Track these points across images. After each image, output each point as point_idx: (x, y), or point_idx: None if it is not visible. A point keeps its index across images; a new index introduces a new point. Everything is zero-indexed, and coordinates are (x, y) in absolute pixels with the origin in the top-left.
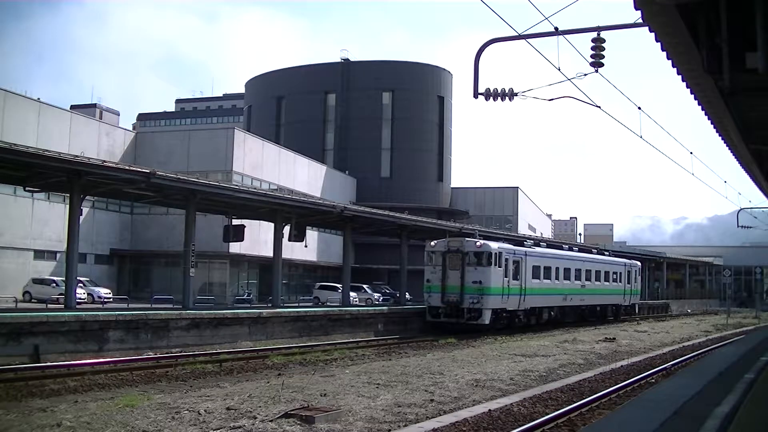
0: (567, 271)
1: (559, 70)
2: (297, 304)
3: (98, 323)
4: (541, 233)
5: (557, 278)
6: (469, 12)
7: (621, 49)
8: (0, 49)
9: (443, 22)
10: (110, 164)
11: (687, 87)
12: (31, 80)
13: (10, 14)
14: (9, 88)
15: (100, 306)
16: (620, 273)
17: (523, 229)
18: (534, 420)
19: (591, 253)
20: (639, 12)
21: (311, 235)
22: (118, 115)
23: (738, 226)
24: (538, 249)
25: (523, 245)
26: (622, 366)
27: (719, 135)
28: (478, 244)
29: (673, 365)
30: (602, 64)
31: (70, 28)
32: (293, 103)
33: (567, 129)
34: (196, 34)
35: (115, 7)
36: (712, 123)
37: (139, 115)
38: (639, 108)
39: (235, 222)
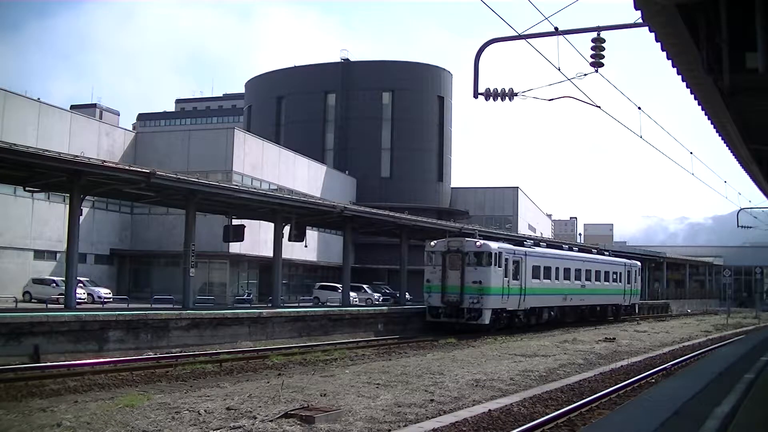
0: (567, 271)
1: (559, 70)
2: (297, 304)
3: (98, 323)
4: (541, 233)
5: (557, 278)
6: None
7: (621, 49)
8: (21, 47)
9: (477, 22)
10: (110, 164)
11: (687, 87)
12: (47, 78)
13: (33, 12)
14: (26, 86)
15: (100, 306)
16: (620, 273)
17: (523, 229)
18: (534, 420)
19: (591, 253)
20: (639, 12)
21: (311, 235)
22: (118, 115)
23: (738, 226)
24: (538, 249)
25: (523, 245)
26: (622, 366)
27: (719, 135)
28: (478, 244)
29: (673, 365)
30: (602, 64)
31: (91, 26)
32: (293, 103)
33: (567, 129)
34: (226, 32)
35: (138, 5)
36: (712, 123)
37: (139, 115)
38: (639, 108)
39: (235, 222)
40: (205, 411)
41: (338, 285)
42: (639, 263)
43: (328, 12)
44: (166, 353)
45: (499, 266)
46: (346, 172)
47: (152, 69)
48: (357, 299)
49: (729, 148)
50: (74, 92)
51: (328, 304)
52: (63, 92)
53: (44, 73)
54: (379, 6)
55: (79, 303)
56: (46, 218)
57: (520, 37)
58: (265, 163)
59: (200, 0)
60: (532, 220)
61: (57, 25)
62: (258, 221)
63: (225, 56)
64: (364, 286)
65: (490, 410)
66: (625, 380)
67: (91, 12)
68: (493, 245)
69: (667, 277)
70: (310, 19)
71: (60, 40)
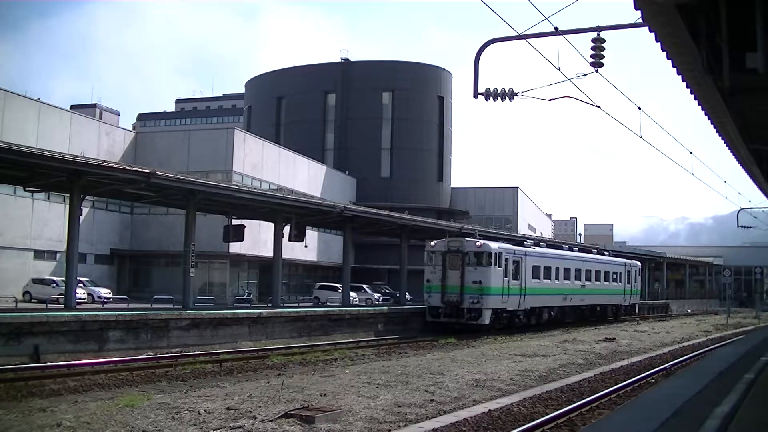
0: (567, 271)
1: (559, 70)
2: (297, 304)
3: (98, 323)
4: (541, 233)
5: (557, 278)
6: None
7: (621, 49)
8: (23, 46)
9: (478, 22)
10: (110, 164)
11: (687, 87)
12: (49, 78)
13: (35, 11)
14: (28, 85)
15: (100, 306)
16: (620, 273)
17: (523, 229)
18: (534, 420)
19: (591, 253)
20: (639, 12)
21: (311, 235)
22: (118, 115)
23: (738, 226)
24: (538, 249)
25: (523, 245)
26: (622, 366)
27: (719, 135)
28: (478, 244)
29: (673, 365)
30: (602, 64)
31: (93, 26)
32: (293, 103)
33: (567, 129)
34: (230, 32)
35: (141, 5)
36: (712, 123)
37: (139, 115)
38: (639, 108)
39: (235, 222)
40: (205, 411)
41: (338, 285)
42: (639, 263)
43: (333, 12)
44: (166, 353)
45: (499, 266)
46: (346, 172)
47: (155, 69)
48: (357, 299)
49: (729, 148)
50: (77, 92)
51: (328, 304)
52: (65, 92)
53: (46, 73)
54: (383, 6)
55: (79, 303)
56: (46, 218)
57: (520, 37)
58: (265, 163)
59: (205, 0)
60: (532, 220)
61: (59, 25)
62: (258, 221)
63: (229, 56)
64: (364, 286)
65: (490, 410)
66: (625, 380)
67: (93, 12)
68: (493, 245)
69: (667, 277)
70: (314, 20)
71: (62, 39)
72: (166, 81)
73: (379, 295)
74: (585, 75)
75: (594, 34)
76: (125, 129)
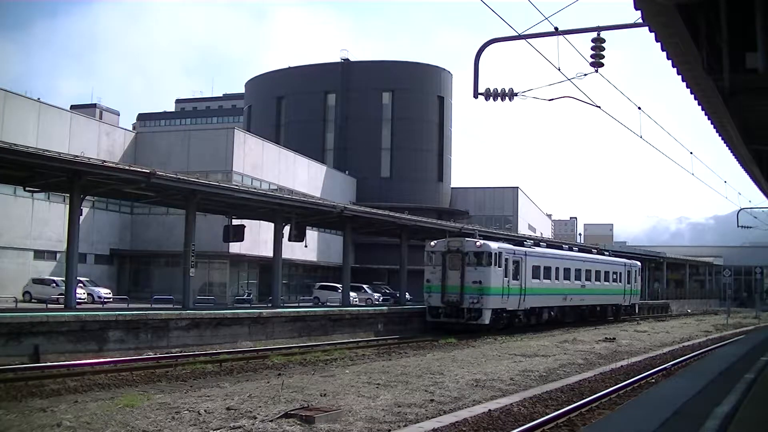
0: (567, 271)
1: (559, 70)
2: (297, 304)
3: (98, 323)
4: (541, 233)
5: (557, 278)
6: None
7: (621, 49)
8: (28, 46)
9: (481, 22)
10: (110, 164)
11: (687, 87)
12: (54, 77)
13: (42, 11)
14: (33, 85)
15: (100, 306)
16: (620, 273)
17: (523, 229)
18: (534, 420)
19: (591, 253)
20: (639, 12)
21: (311, 235)
22: (118, 115)
23: (738, 226)
24: (538, 249)
25: (523, 245)
26: (622, 366)
27: (719, 135)
28: (478, 244)
29: (673, 365)
30: (602, 64)
31: (98, 26)
32: (293, 103)
33: (567, 129)
34: (239, 32)
35: (149, 5)
36: (712, 123)
37: (139, 115)
38: (639, 108)
39: (235, 222)
40: (205, 411)
41: (338, 285)
42: (639, 263)
43: (342, 12)
44: (166, 353)
45: (499, 266)
46: (346, 172)
47: (160, 69)
48: (357, 299)
49: (729, 148)
50: (80, 91)
51: (328, 304)
52: (68, 91)
53: (50, 72)
54: (387, 6)
55: (79, 303)
56: (46, 218)
57: (520, 37)
58: (265, 163)
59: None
60: (532, 220)
61: (64, 25)
62: (258, 221)
63: (237, 57)
64: (364, 286)
65: (490, 410)
66: (625, 380)
67: (99, 12)
68: (493, 245)
69: (667, 277)
70: (324, 20)
71: (67, 39)
72: (170, 81)
73: (379, 295)
74: (585, 75)
75: (594, 34)
76: (125, 129)
